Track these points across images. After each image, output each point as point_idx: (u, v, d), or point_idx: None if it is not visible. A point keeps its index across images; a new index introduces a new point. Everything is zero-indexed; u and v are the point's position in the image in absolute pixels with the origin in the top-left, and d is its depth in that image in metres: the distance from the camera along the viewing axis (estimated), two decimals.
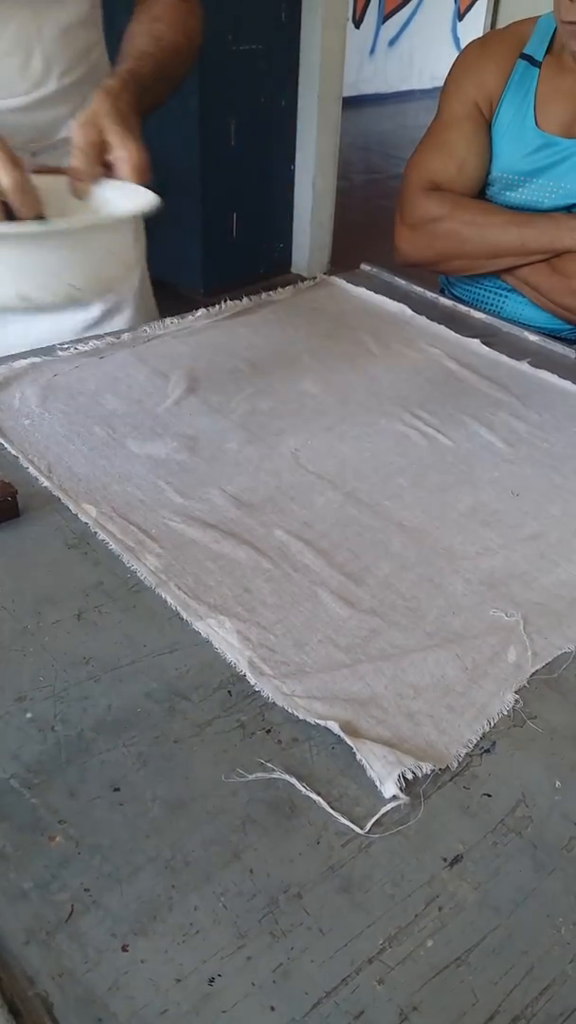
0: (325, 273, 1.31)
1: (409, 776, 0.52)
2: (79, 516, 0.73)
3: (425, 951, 0.44)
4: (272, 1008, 0.41)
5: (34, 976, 0.42)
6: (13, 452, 0.81)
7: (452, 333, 1.13)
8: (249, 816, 0.50)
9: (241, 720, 0.56)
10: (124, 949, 0.43)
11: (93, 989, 0.41)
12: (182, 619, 0.64)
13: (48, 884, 0.46)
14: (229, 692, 0.58)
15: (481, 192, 1.24)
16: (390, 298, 1.21)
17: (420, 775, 0.53)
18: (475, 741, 0.56)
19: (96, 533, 0.72)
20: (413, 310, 1.17)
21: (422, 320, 1.16)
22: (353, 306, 1.21)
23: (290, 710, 0.57)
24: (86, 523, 0.73)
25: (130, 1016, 0.40)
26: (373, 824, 0.50)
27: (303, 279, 1.27)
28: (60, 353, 0.99)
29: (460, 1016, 0.42)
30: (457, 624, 0.65)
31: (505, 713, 0.58)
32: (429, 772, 0.53)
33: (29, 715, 0.55)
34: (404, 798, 0.51)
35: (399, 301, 1.20)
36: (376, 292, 1.22)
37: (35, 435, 0.84)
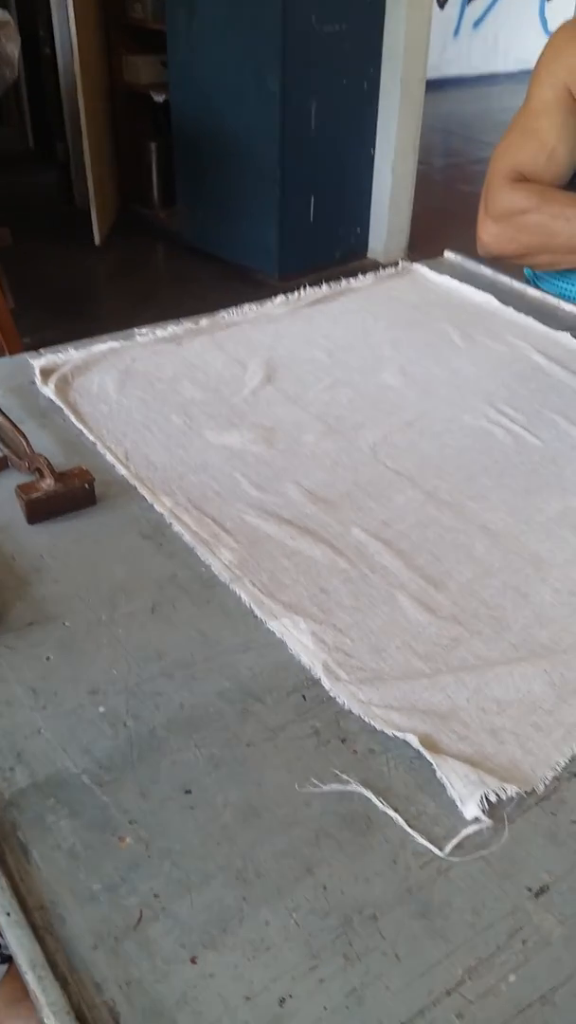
0: (402, 258, 1.27)
1: (492, 798, 0.50)
2: (155, 506, 0.72)
3: (507, 986, 0.42)
4: None
5: (102, 983, 0.41)
6: (91, 439, 0.80)
7: (540, 326, 1.08)
8: (323, 829, 0.48)
9: (315, 727, 0.54)
10: (193, 961, 0.42)
11: (161, 1001, 0.40)
12: (256, 617, 0.63)
13: (117, 887, 0.45)
14: (303, 696, 0.57)
15: (571, 182, 1.18)
16: (475, 287, 1.16)
17: (504, 797, 0.50)
18: (563, 764, 0.53)
19: (171, 524, 0.71)
20: (500, 301, 1.13)
21: (509, 311, 1.12)
22: (436, 295, 1.17)
23: (367, 719, 0.55)
24: (161, 514, 0.72)
25: None
26: (453, 847, 0.48)
27: (379, 264, 1.24)
28: (139, 338, 0.98)
29: None
30: (544, 636, 0.62)
31: None
32: (513, 795, 0.50)
33: (101, 709, 0.54)
34: (487, 821, 0.49)
35: (485, 291, 1.15)
36: (460, 281, 1.18)
37: (113, 422, 0.84)
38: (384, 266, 1.24)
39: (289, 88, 2.84)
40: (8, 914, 0.42)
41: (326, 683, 0.57)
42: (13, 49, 2.06)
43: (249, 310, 1.08)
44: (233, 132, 3.06)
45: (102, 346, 0.95)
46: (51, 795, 0.49)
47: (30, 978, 0.40)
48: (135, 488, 0.74)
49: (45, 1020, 0.39)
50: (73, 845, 0.47)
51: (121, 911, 0.44)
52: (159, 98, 3.45)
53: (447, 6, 6.53)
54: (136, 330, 0.99)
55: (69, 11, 3.04)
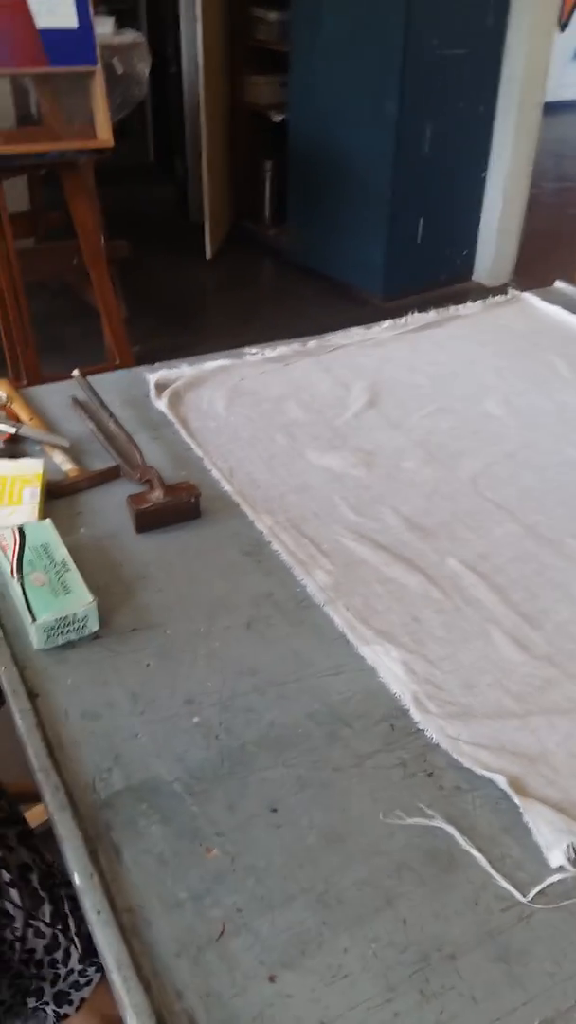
0: (508, 282, 1.26)
1: None
2: (255, 523, 0.74)
3: None
4: None
5: (183, 991, 0.42)
6: (199, 454, 0.83)
7: None
8: (405, 862, 0.49)
9: (403, 758, 0.55)
10: (271, 980, 0.43)
11: (238, 1016, 0.41)
12: (348, 641, 0.63)
13: (202, 898, 0.46)
14: (392, 726, 0.57)
15: None
16: None
17: None
18: None
19: (270, 543, 0.72)
20: None
21: None
22: (545, 325, 1.15)
23: (455, 755, 0.55)
24: (261, 531, 0.73)
25: None
26: (537, 894, 0.47)
27: (484, 287, 1.23)
28: (248, 357, 1.01)
29: None
30: None
31: None
32: None
33: (196, 720, 0.56)
34: (572, 870, 0.48)
35: None
36: (571, 311, 1.16)
37: (219, 438, 0.86)
38: (491, 290, 1.23)
39: (406, 111, 2.85)
40: (99, 912, 0.44)
41: (415, 715, 0.58)
42: (144, 68, 2.13)
43: (356, 333, 1.09)
44: (347, 153, 3.09)
45: (213, 364, 0.98)
46: (144, 800, 0.51)
47: (115, 977, 0.42)
48: (237, 505, 0.76)
49: (128, 1021, 0.41)
50: (162, 852, 0.48)
51: (205, 922, 0.45)
52: (277, 118, 3.52)
53: (568, 28, 6.42)
54: (246, 349, 1.02)
55: (198, 32, 3.14)
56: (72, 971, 0.75)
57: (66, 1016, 0.95)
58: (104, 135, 1.78)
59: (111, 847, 0.48)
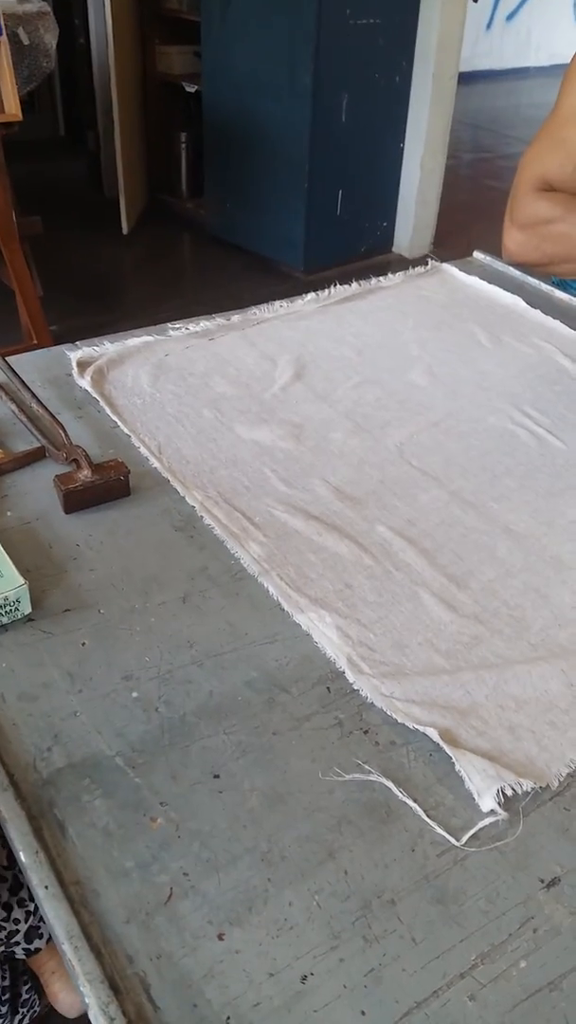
0: (428, 253, 1.28)
1: (508, 792, 0.51)
2: (186, 499, 0.74)
3: (518, 972, 0.44)
4: (363, 1013, 0.42)
5: (133, 956, 0.43)
6: (126, 431, 0.82)
7: (567, 329, 1.09)
8: (345, 816, 0.50)
9: (339, 718, 0.56)
10: (220, 937, 0.44)
11: (189, 974, 0.43)
12: (283, 610, 0.65)
13: (149, 865, 0.47)
14: (328, 688, 0.59)
15: None
16: (503, 289, 1.17)
17: (519, 792, 0.52)
18: None
19: (202, 517, 0.73)
20: (527, 303, 1.14)
21: (536, 314, 1.13)
22: (465, 295, 1.18)
23: (389, 712, 0.57)
24: (192, 506, 0.74)
25: (224, 1005, 0.41)
26: (469, 837, 0.49)
27: (404, 259, 1.25)
28: (171, 333, 1.00)
29: None
30: (563, 637, 0.64)
31: None
32: (529, 790, 0.52)
33: (135, 694, 0.57)
34: (502, 814, 0.50)
35: (513, 293, 1.16)
36: (489, 282, 1.19)
37: (146, 415, 0.86)
38: (411, 261, 1.25)
39: (321, 81, 2.85)
40: (46, 887, 0.45)
41: (350, 676, 0.59)
42: (51, 40, 2.07)
43: (280, 307, 1.09)
44: (263, 124, 3.07)
45: (136, 340, 0.97)
46: (87, 775, 0.51)
47: (66, 948, 0.43)
48: (167, 481, 0.76)
49: (81, 988, 0.41)
50: (107, 824, 0.49)
51: (152, 888, 0.46)
52: (191, 88, 3.47)
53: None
54: (169, 325, 1.01)
55: (105, 1, 3.06)
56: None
57: (37, 951, 0.99)
58: (11, 108, 1.73)
59: (55, 823, 0.49)
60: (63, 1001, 1.10)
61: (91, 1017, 0.41)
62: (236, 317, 1.05)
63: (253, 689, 0.58)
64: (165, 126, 3.73)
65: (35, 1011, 1.08)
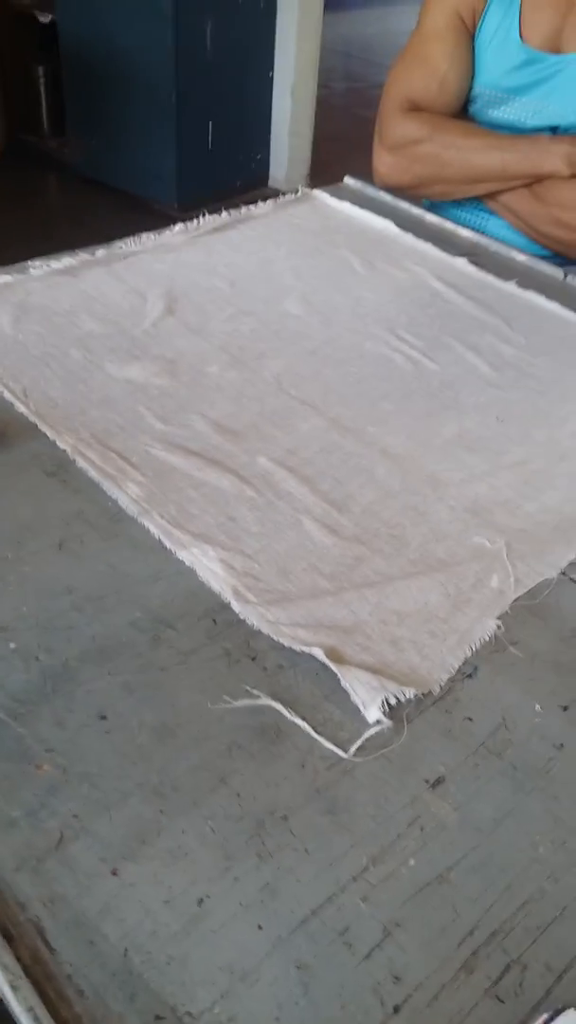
0: (304, 186, 1.26)
1: (392, 701, 0.53)
2: (57, 443, 0.72)
3: (408, 870, 0.46)
4: (260, 927, 0.42)
5: (25, 902, 0.42)
6: None
7: (438, 252, 1.10)
8: (235, 742, 0.51)
9: (226, 648, 0.56)
10: (114, 873, 0.44)
11: (84, 913, 0.42)
12: (165, 548, 0.64)
13: (37, 812, 0.46)
14: (214, 620, 0.58)
15: (463, 109, 1.19)
16: (375, 214, 1.17)
17: (403, 700, 0.53)
18: (457, 667, 0.56)
19: (75, 461, 0.70)
20: (399, 227, 1.14)
21: (408, 238, 1.13)
22: (337, 222, 1.17)
23: (275, 637, 0.57)
24: (64, 450, 0.71)
25: (121, 938, 0.41)
26: (357, 748, 0.51)
27: (281, 192, 1.22)
28: (32, 271, 0.95)
29: (441, 931, 0.43)
30: (441, 551, 0.65)
31: (487, 639, 0.59)
32: (412, 697, 0.53)
33: (12, 645, 0.55)
34: (387, 723, 0.52)
35: (384, 217, 1.16)
36: (361, 207, 1.18)
37: (9, 358, 0.81)
38: (286, 194, 1.22)
39: (182, 7, 2.72)
40: None
41: (235, 606, 0.59)
42: None
43: (147, 239, 1.05)
44: (125, 55, 2.92)
45: None
46: None
47: None
48: (35, 425, 0.73)
49: None
50: None
51: (42, 834, 0.45)
52: (44, 18, 3.25)
53: None
54: (29, 263, 0.96)
55: None
56: None
57: None
58: None
59: None
60: None
61: None
62: (101, 252, 1.01)
63: (138, 629, 0.57)
64: (20, 60, 3.50)
65: None
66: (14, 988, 0.38)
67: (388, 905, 0.44)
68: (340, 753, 0.50)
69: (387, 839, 0.47)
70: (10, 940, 0.41)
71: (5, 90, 3.54)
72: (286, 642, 0.56)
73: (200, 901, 0.43)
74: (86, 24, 2.99)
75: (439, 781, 0.50)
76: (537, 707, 0.55)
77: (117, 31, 2.90)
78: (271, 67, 3.20)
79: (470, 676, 0.56)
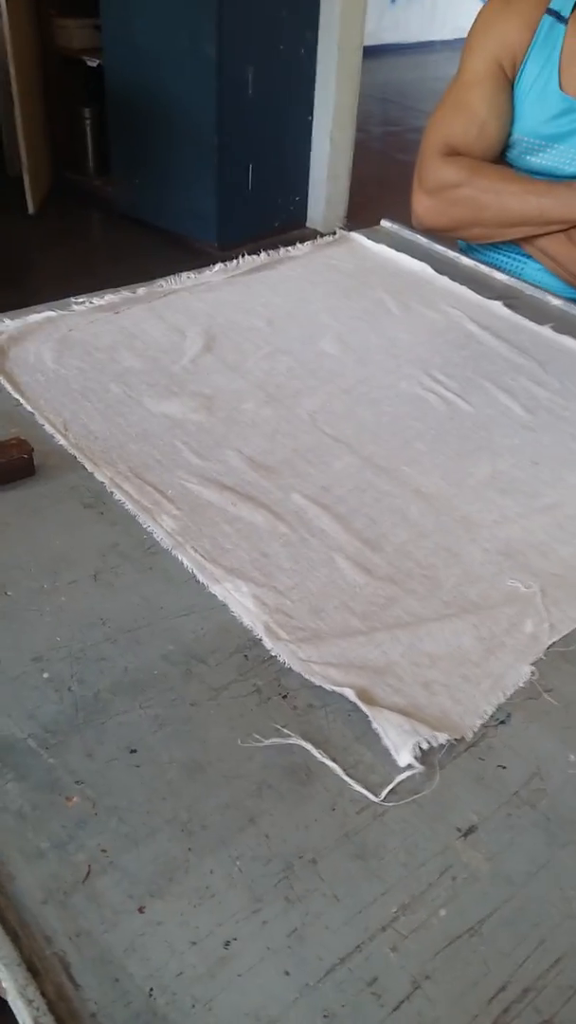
0: (341, 227, 1.28)
1: (424, 746, 0.52)
2: (95, 475, 0.73)
3: (438, 920, 0.45)
4: (287, 973, 0.42)
5: (52, 936, 0.42)
6: (29, 408, 0.80)
7: (473, 294, 1.10)
8: (265, 781, 0.50)
9: (257, 685, 0.56)
10: (140, 911, 0.43)
11: (110, 950, 0.42)
12: (198, 582, 0.64)
13: (65, 844, 0.46)
14: (245, 656, 0.58)
15: (502, 155, 1.20)
16: (411, 256, 1.18)
17: (435, 745, 0.52)
18: (490, 712, 0.56)
19: (112, 493, 0.71)
20: (435, 269, 1.15)
21: (443, 280, 1.14)
22: (373, 264, 1.18)
23: (306, 676, 0.57)
24: (102, 483, 0.72)
25: (146, 977, 0.41)
26: (388, 792, 0.50)
27: (319, 234, 1.24)
28: (75, 307, 0.97)
29: (472, 986, 0.42)
30: (474, 594, 0.65)
31: (521, 685, 0.58)
32: (444, 742, 0.53)
33: (46, 675, 0.55)
34: (419, 767, 0.51)
35: (420, 259, 1.17)
36: (397, 250, 1.20)
37: (50, 392, 0.83)
38: (323, 235, 1.24)
39: (225, 53, 2.80)
40: None
41: (267, 643, 0.59)
42: None
43: (187, 278, 1.07)
44: (169, 98, 3.01)
45: (38, 316, 0.94)
46: None
47: None
48: (75, 458, 0.74)
49: None
50: (21, 807, 0.48)
51: (69, 866, 0.45)
52: (93, 63, 3.37)
53: None
54: (72, 299, 0.98)
55: None
56: None
57: None
58: None
59: None
60: None
61: (10, 1002, 0.40)
62: (142, 290, 1.03)
63: (169, 662, 0.57)
64: (69, 102, 3.61)
65: None
66: None
67: (418, 956, 0.43)
68: (371, 797, 0.50)
69: (418, 888, 0.46)
70: (36, 974, 0.40)
71: (53, 131, 3.66)
72: (317, 681, 0.56)
73: (227, 944, 0.43)
74: (132, 69, 3.09)
75: (471, 830, 0.49)
76: (572, 757, 0.54)
77: (162, 76, 2.99)
78: (310, 112, 3.28)
79: (503, 722, 0.55)
